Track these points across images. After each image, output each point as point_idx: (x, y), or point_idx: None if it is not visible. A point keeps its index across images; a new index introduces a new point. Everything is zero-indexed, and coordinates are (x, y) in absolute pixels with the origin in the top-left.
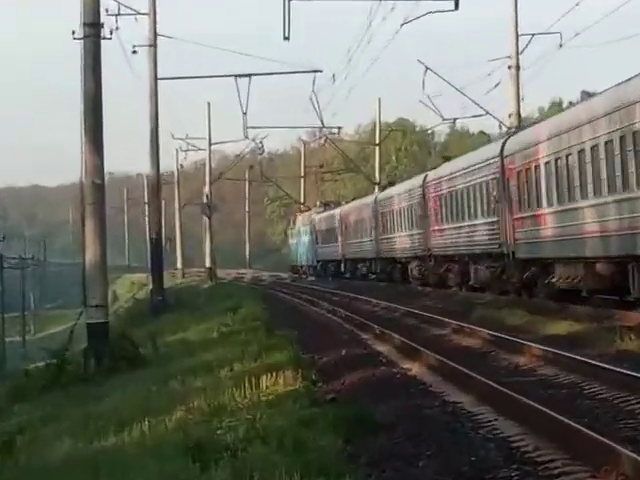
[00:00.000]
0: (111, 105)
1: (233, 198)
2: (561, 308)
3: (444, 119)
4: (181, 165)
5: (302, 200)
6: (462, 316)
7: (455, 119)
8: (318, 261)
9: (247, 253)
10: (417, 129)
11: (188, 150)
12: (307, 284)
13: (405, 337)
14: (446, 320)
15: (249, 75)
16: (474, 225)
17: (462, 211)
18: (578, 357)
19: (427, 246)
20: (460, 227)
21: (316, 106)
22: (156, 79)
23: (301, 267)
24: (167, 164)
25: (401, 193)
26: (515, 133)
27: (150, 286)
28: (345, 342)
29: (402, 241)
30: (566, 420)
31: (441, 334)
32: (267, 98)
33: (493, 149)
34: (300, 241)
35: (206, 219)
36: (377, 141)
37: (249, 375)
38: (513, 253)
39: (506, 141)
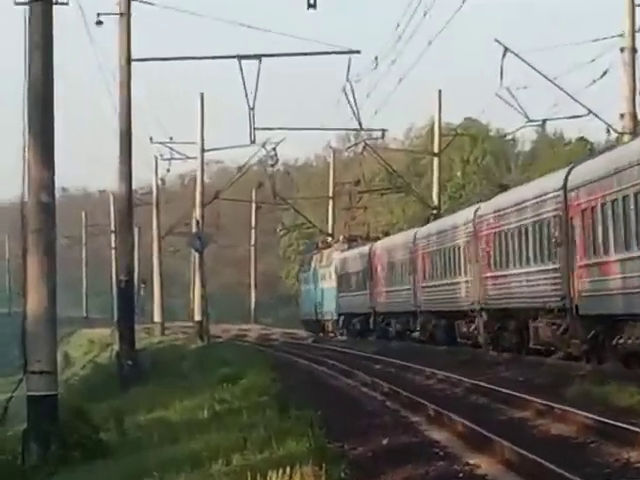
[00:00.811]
0: (66, 98)
1: (234, 226)
2: None
3: (529, 120)
4: (162, 180)
5: (329, 230)
6: (551, 393)
7: (545, 120)
8: (340, 314)
9: (252, 302)
10: (492, 134)
11: (172, 159)
12: (333, 346)
13: (471, 421)
14: (529, 398)
15: (258, 57)
16: (530, 273)
17: (517, 255)
18: None
19: (477, 298)
20: (516, 275)
21: (351, 101)
22: (129, 61)
23: (320, 322)
24: (143, 178)
25: (446, 230)
26: (584, 160)
27: (116, 346)
28: (388, 427)
29: (445, 290)
30: None
31: (522, 417)
32: (283, 89)
33: (555, 180)
34: (317, 288)
35: (196, 255)
36: (436, 149)
37: (253, 471)
38: (577, 307)
39: (571, 170)
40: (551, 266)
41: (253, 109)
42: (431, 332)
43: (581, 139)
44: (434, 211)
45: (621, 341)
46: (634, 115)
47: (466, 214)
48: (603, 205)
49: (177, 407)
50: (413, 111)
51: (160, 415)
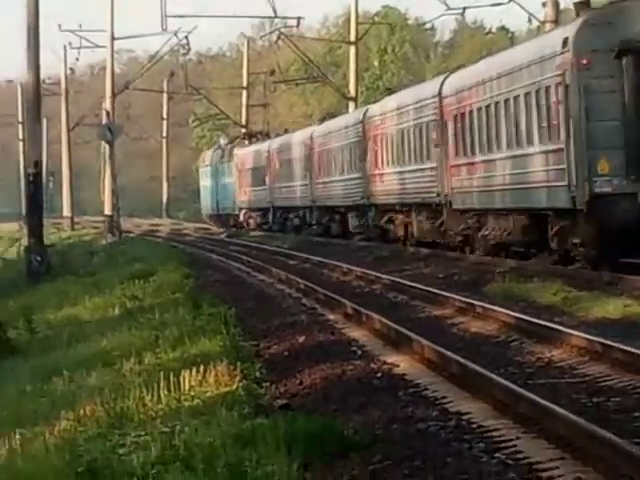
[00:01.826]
0: None
1: (145, 118)
2: (615, 280)
3: (449, 8)
4: (71, 69)
5: (243, 121)
6: (471, 290)
7: (464, 8)
8: (240, 209)
9: (164, 196)
10: (410, 22)
11: (82, 48)
12: (247, 241)
13: (389, 319)
14: (448, 295)
15: None
16: (415, 171)
17: (401, 155)
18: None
19: (367, 194)
20: (399, 173)
21: None
22: None
23: (221, 217)
24: (51, 67)
25: (339, 129)
26: (456, 70)
27: (24, 241)
28: (304, 325)
29: (339, 187)
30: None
31: (441, 315)
32: None
33: (432, 87)
34: (217, 183)
35: (106, 146)
36: (352, 38)
37: (165, 370)
38: (450, 203)
39: (446, 78)
40: (428, 165)
41: None
42: (326, 225)
43: (502, 28)
44: (355, 99)
45: (485, 233)
46: (556, 3)
47: (356, 115)
48: (470, 112)
49: (87, 304)
50: None
51: (70, 313)
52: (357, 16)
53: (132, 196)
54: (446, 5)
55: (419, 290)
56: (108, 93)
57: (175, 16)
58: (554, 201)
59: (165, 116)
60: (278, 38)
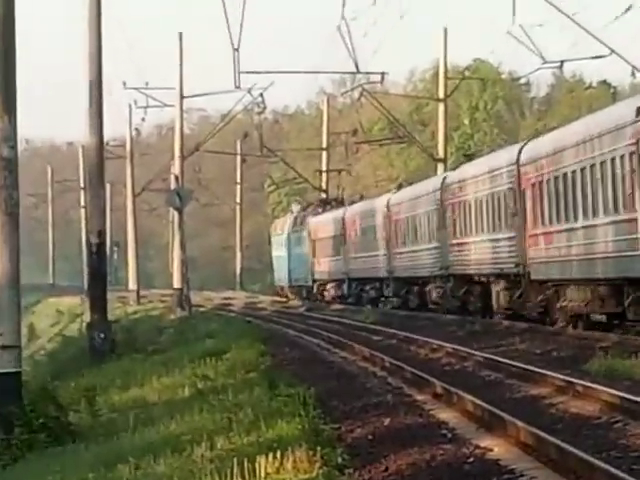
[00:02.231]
0: (28, 38)
1: (217, 182)
2: None
3: (545, 62)
4: (137, 130)
5: (323, 185)
6: (570, 368)
7: (562, 62)
8: (314, 281)
9: (238, 267)
10: (503, 77)
11: (148, 107)
12: (328, 315)
13: (482, 399)
14: (546, 373)
15: None
16: (493, 240)
17: (481, 223)
18: None
19: (445, 264)
20: (479, 242)
21: (347, 41)
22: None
23: (294, 289)
24: (116, 129)
25: (418, 196)
26: (535, 137)
27: (87, 317)
28: (390, 406)
29: (420, 257)
30: None
31: (539, 395)
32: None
33: (509, 154)
34: (290, 253)
35: (175, 214)
36: (441, 95)
37: (239, 456)
38: (529, 273)
39: (523, 146)
40: (507, 234)
41: (238, 50)
42: (404, 297)
43: (603, 82)
44: (445, 160)
45: (564, 303)
46: None
47: (434, 182)
48: (548, 180)
49: (155, 385)
50: (416, 52)
51: (136, 394)
52: (446, 70)
53: (203, 267)
54: (542, 58)
55: (514, 368)
56: (177, 155)
57: (249, 72)
58: (628, 271)
59: (239, 180)
60: (361, 95)
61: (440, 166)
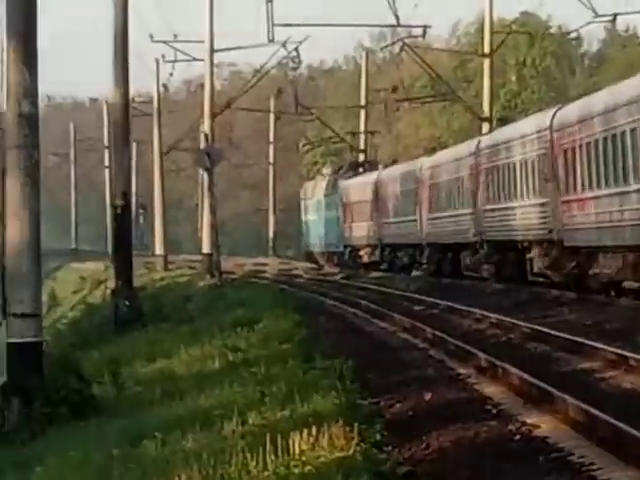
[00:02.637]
0: None
1: (249, 141)
2: None
3: (597, 15)
4: (164, 86)
5: (361, 145)
6: (622, 340)
7: (615, 15)
8: (345, 246)
9: (271, 232)
10: (552, 31)
11: (176, 61)
12: (366, 283)
13: (529, 373)
14: (597, 346)
15: None
16: (523, 206)
17: (512, 189)
18: None
19: (479, 230)
20: (511, 208)
21: None
22: None
23: (324, 254)
24: (142, 84)
25: (451, 161)
26: (570, 102)
27: (111, 283)
28: (431, 380)
29: (451, 223)
30: None
31: (589, 369)
32: None
33: (542, 120)
34: (320, 217)
35: (204, 175)
36: (487, 50)
37: (272, 432)
38: (562, 240)
39: (557, 112)
40: (540, 200)
41: (271, 1)
42: (438, 263)
43: None
44: (491, 119)
45: (596, 271)
46: None
47: (468, 147)
48: (580, 147)
49: (182, 356)
50: (460, 5)
51: (163, 366)
52: (492, 24)
53: (234, 232)
54: (594, 11)
55: (563, 340)
56: (207, 113)
57: (283, 25)
58: None
59: (272, 139)
60: (401, 50)
61: (485, 125)
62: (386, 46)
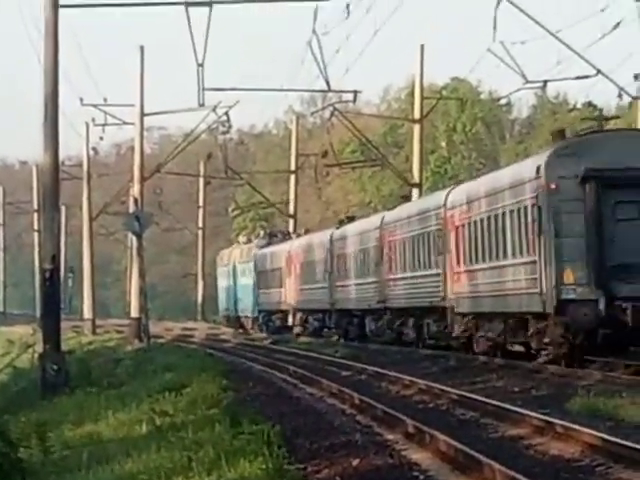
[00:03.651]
0: None
1: (179, 205)
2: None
3: (527, 81)
4: (94, 149)
5: (291, 210)
6: (550, 407)
7: (545, 82)
8: (260, 311)
9: (199, 296)
10: (483, 97)
11: (106, 125)
12: (293, 348)
13: (457, 440)
14: (524, 413)
15: (209, 3)
16: (421, 276)
17: (410, 261)
18: None
19: (382, 297)
20: (411, 277)
21: (318, 57)
22: (56, 6)
23: (239, 319)
24: (72, 147)
25: (359, 233)
26: (462, 182)
27: (39, 347)
28: (359, 446)
29: (358, 290)
30: None
31: (516, 436)
32: (238, 42)
33: (437, 199)
34: (237, 284)
35: (133, 239)
36: (417, 115)
37: None
38: (453, 307)
39: (450, 191)
40: (434, 271)
41: (202, 66)
42: (345, 328)
43: (589, 104)
44: (420, 185)
45: (482, 333)
46: None
47: (374, 220)
48: (468, 224)
49: (110, 420)
50: (391, 70)
51: (90, 430)
52: (422, 90)
53: (162, 296)
54: (524, 77)
55: (491, 406)
56: (136, 177)
57: (213, 89)
58: (530, 306)
59: (201, 204)
60: (332, 115)
61: (415, 191)
62: (317, 111)
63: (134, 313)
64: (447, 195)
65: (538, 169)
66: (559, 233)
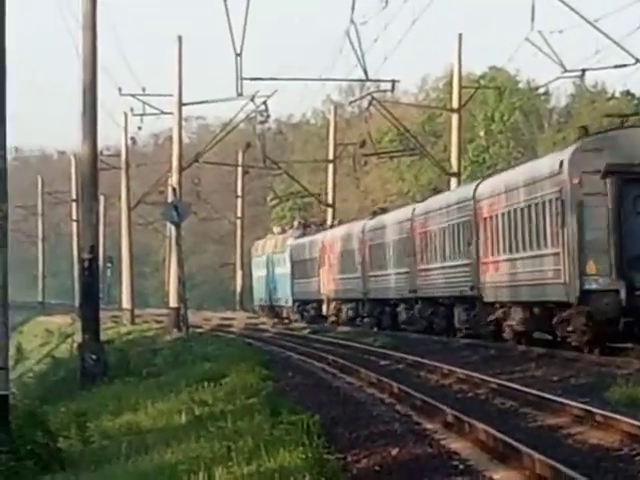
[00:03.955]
0: (20, 44)
1: (217, 195)
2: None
3: (566, 70)
4: (132, 139)
5: (329, 199)
6: (589, 396)
7: (584, 70)
8: (294, 301)
9: (238, 286)
10: (521, 86)
11: (145, 114)
12: (333, 338)
13: (496, 429)
14: (564, 402)
15: None
16: (451, 267)
17: (440, 251)
18: None
19: (414, 287)
20: (441, 268)
21: (356, 47)
22: (94, 0)
23: (274, 308)
24: (110, 137)
25: (390, 224)
26: (489, 176)
27: (78, 337)
28: (398, 435)
29: (390, 280)
30: None
31: (556, 425)
32: (276, 32)
33: (466, 192)
34: (273, 273)
35: (172, 228)
36: (455, 104)
37: None
38: (481, 296)
39: (479, 184)
40: (465, 261)
41: (240, 55)
42: (378, 317)
43: (626, 93)
44: (459, 174)
45: (511, 322)
46: None
47: (405, 212)
48: (497, 216)
49: (149, 410)
50: (429, 59)
51: (129, 420)
52: (460, 79)
53: (201, 285)
54: (562, 66)
55: (530, 395)
56: (175, 167)
57: (252, 79)
58: (555, 295)
59: (240, 193)
60: (370, 104)
61: (453, 180)
62: (355, 100)
63: (172, 303)
64: (475, 188)
65: (561, 164)
66: (582, 226)
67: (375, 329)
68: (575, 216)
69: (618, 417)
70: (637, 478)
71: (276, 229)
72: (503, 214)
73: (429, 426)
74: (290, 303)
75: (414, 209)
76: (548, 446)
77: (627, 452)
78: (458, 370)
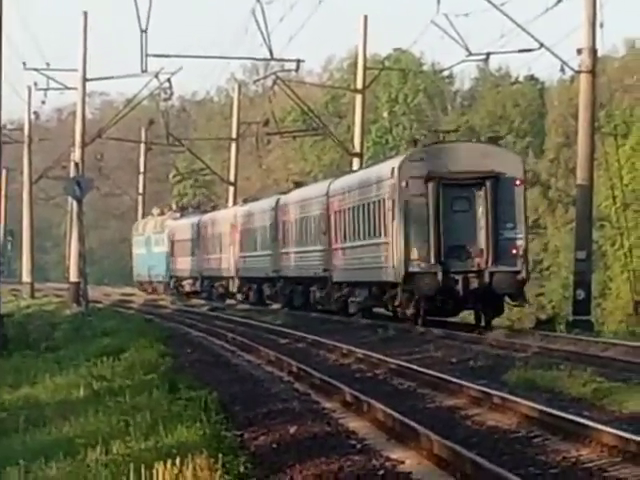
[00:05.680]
0: None
1: (120, 171)
2: None
3: (470, 53)
4: (36, 113)
5: (231, 178)
6: (488, 378)
7: (488, 54)
8: (171, 277)
9: None
10: (425, 68)
11: (49, 89)
12: (232, 315)
13: (394, 409)
14: (462, 383)
15: None
16: (310, 251)
17: (299, 238)
18: None
19: (277, 267)
20: (300, 252)
21: (261, 26)
22: None
23: (152, 284)
24: (14, 112)
25: (257, 212)
26: (341, 175)
27: None
28: (296, 413)
29: (259, 261)
30: None
31: (454, 406)
32: (181, 9)
33: (321, 188)
34: (151, 252)
35: (74, 203)
36: (359, 85)
37: (136, 462)
38: (331, 277)
39: (332, 182)
40: (319, 247)
41: (145, 32)
42: (246, 293)
43: (530, 78)
44: (361, 154)
45: (354, 299)
46: (594, 50)
47: (270, 202)
48: (344, 210)
49: (47, 384)
50: (333, 40)
51: (27, 393)
52: (365, 60)
53: (102, 261)
54: (467, 50)
55: (428, 376)
56: (78, 142)
57: (157, 55)
58: (386, 276)
59: (142, 170)
60: (274, 83)
61: (356, 161)
62: (259, 79)
63: (73, 277)
64: (329, 185)
65: (393, 170)
66: (407, 220)
67: (285, 309)
68: (403, 212)
69: (515, 399)
70: (534, 460)
71: (155, 210)
72: (349, 209)
73: (327, 405)
74: (167, 279)
75: (278, 199)
76: (446, 427)
77: (524, 434)
78: (357, 350)
